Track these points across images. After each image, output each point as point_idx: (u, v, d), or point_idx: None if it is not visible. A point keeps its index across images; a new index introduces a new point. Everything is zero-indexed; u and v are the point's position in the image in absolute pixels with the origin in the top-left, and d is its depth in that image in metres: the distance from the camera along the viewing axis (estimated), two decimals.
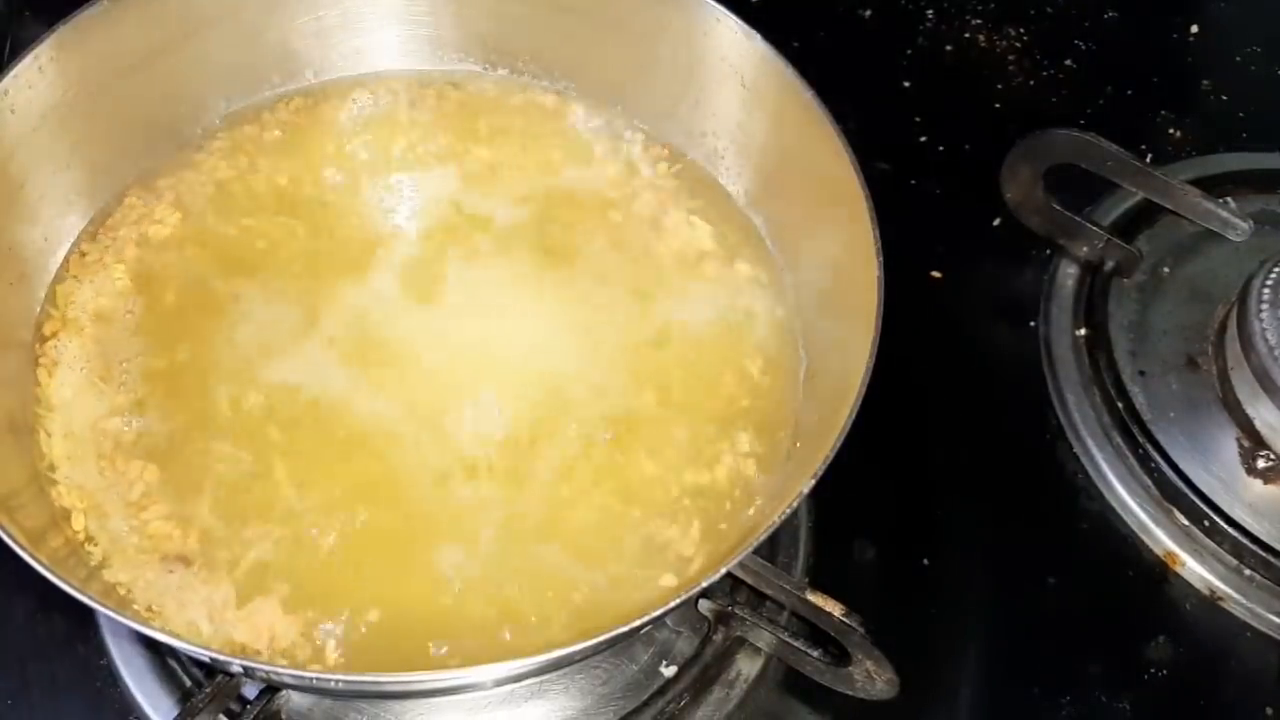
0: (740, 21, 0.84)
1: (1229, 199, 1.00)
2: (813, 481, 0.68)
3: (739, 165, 0.90)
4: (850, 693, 0.76)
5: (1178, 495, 0.89)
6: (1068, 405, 0.94)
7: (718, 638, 0.81)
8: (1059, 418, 0.94)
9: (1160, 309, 0.97)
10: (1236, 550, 0.87)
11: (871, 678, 0.74)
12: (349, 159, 0.92)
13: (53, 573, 0.64)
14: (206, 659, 0.73)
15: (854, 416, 0.69)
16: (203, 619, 0.73)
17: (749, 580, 0.73)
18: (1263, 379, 0.87)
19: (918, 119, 1.10)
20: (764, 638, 0.79)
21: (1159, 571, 0.89)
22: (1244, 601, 0.87)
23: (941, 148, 1.09)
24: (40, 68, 0.80)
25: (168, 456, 0.78)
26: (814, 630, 0.75)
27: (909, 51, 1.16)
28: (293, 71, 0.93)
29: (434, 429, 0.80)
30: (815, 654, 0.76)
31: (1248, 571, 0.87)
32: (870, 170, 0.77)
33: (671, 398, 0.82)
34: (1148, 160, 1.01)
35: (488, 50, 0.94)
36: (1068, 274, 1.00)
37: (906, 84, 1.13)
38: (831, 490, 0.69)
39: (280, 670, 0.71)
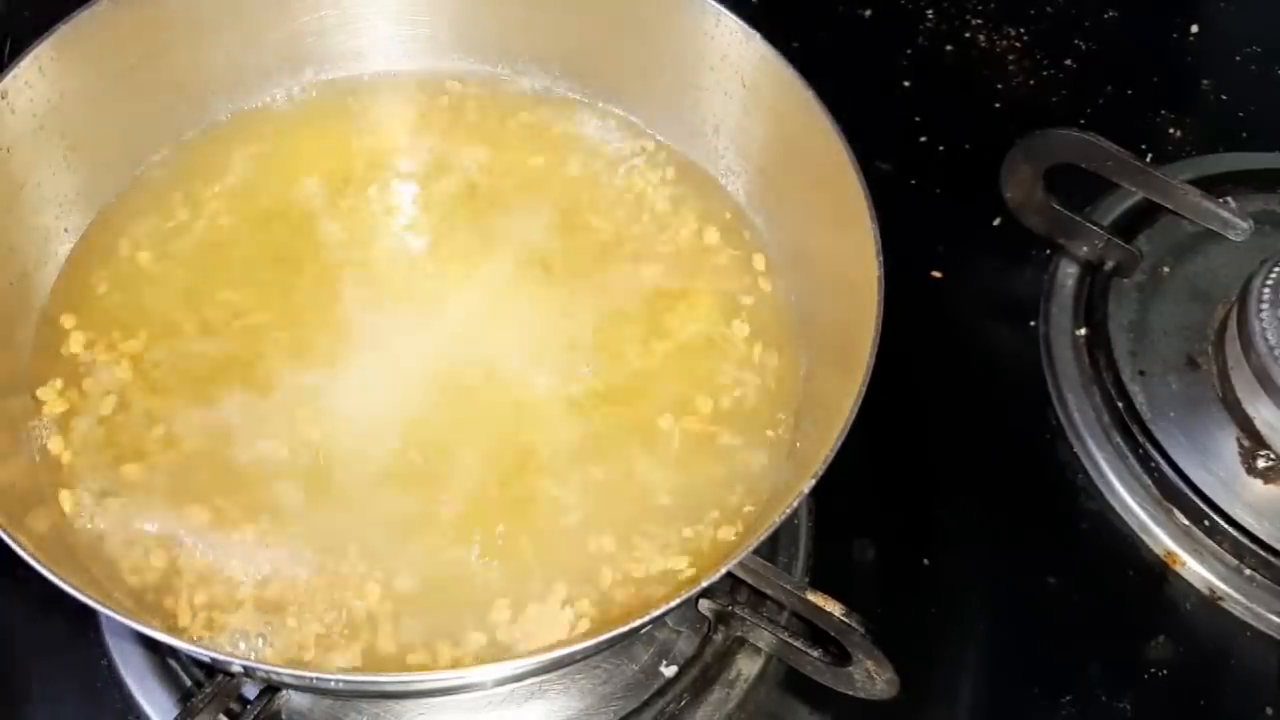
0: (740, 21, 0.84)
1: (1229, 199, 1.00)
2: (813, 481, 0.68)
3: (739, 165, 0.90)
4: (850, 693, 0.76)
5: (1178, 495, 0.89)
6: (1068, 405, 0.94)
7: (718, 638, 0.81)
8: (1059, 417, 0.94)
9: (1160, 309, 0.97)
10: (1236, 550, 0.87)
11: (871, 678, 0.74)
12: (350, 158, 0.92)
13: (53, 573, 0.64)
14: (206, 659, 0.73)
15: (854, 416, 0.69)
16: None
17: (749, 580, 0.73)
18: (1263, 379, 0.87)
19: (918, 119, 1.10)
20: (764, 638, 0.79)
21: (1159, 571, 0.89)
22: (1244, 601, 0.87)
23: (941, 148, 1.09)
24: (40, 68, 0.80)
25: (173, 455, 0.78)
26: (814, 630, 0.75)
27: (909, 51, 1.16)
28: (293, 71, 0.93)
29: (433, 430, 0.80)
30: (815, 654, 0.76)
31: (1248, 571, 0.87)
32: (870, 170, 0.77)
33: (670, 396, 0.82)
34: (1148, 160, 1.01)
35: (487, 50, 0.94)
36: (1068, 274, 1.00)
37: (906, 84, 1.13)
38: (831, 490, 0.69)
39: (280, 670, 0.71)
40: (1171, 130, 1.11)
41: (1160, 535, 0.89)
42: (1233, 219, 0.96)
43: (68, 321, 0.83)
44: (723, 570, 0.67)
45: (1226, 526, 0.87)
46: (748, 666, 0.82)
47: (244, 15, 0.89)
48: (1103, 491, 0.92)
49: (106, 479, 0.77)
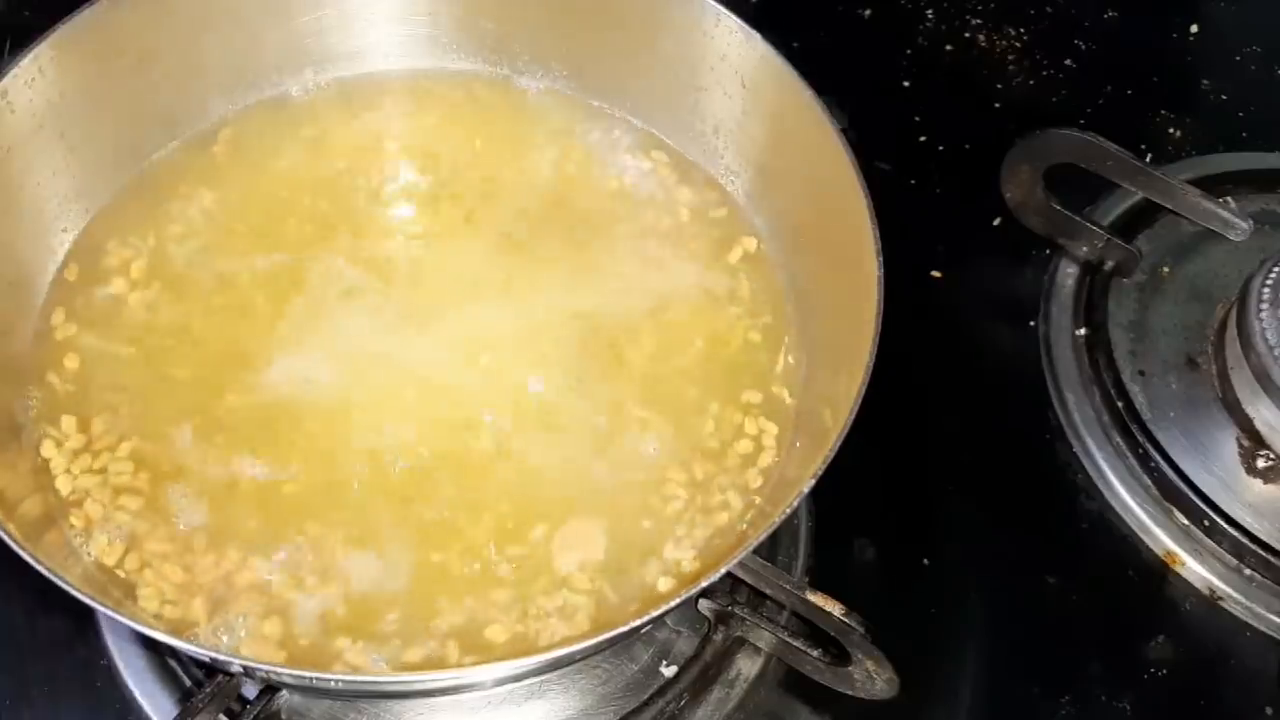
0: (740, 21, 0.84)
1: (1229, 199, 1.00)
2: (813, 481, 0.68)
3: (739, 165, 0.90)
4: (850, 692, 0.76)
5: (1178, 495, 0.89)
6: (1068, 405, 0.94)
7: (718, 638, 0.81)
8: (1059, 417, 0.94)
9: (1160, 309, 0.97)
10: (1236, 550, 0.87)
11: (871, 677, 0.74)
12: (349, 158, 0.92)
13: (52, 572, 0.64)
14: (206, 659, 0.73)
15: (854, 416, 0.69)
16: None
17: (749, 580, 0.73)
18: (1263, 379, 0.87)
19: (918, 119, 1.10)
20: (764, 637, 0.79)
21: (1159, 571, 0.89)
22: (1244, 601, 0.87)
23: (941, 148, 1.09)
24: (40, 68, 0.80)
25: (171, 452, 0.78)
26: (814, 630, 0.75)
27: (909, 51, 1.16)
28: (293, 71, 0.93)
29: (431, 424, 0.80)
30: (815, 654, 0.76)
31: (1248, 571, 0.87)
32: (870, 170, 0.77)
33: (670, 398, 0.82)
34: (1148, 160, 1.01)
35: (487, 50, 0.94)
36: (1068, 274, 1.00)
37: (906, 84, 1.13)
38: (831, 490, 0.69)
39: (280, 670, 0.71)
40: (1171, 130, 1.11)
41: (1160, 535, 0.89)
42: (1233, 219, 0.96)
43: (66, 321, 0.83)
44: (723, 570, 0.67)
45: (1226, 526, 0.87)
46: (748, 666, 0.82)
47: (244, 15, 0.89)
48: (1103, 491, 0.92)
49: (107, 477, 0.77)
